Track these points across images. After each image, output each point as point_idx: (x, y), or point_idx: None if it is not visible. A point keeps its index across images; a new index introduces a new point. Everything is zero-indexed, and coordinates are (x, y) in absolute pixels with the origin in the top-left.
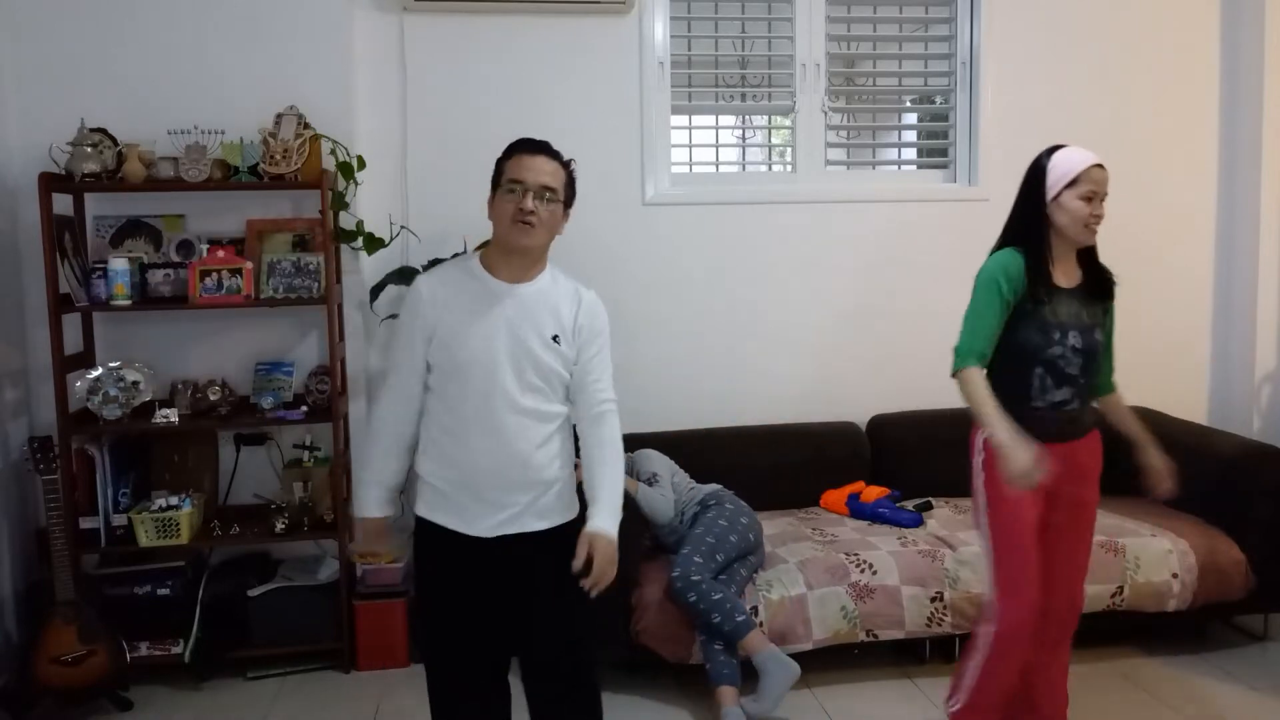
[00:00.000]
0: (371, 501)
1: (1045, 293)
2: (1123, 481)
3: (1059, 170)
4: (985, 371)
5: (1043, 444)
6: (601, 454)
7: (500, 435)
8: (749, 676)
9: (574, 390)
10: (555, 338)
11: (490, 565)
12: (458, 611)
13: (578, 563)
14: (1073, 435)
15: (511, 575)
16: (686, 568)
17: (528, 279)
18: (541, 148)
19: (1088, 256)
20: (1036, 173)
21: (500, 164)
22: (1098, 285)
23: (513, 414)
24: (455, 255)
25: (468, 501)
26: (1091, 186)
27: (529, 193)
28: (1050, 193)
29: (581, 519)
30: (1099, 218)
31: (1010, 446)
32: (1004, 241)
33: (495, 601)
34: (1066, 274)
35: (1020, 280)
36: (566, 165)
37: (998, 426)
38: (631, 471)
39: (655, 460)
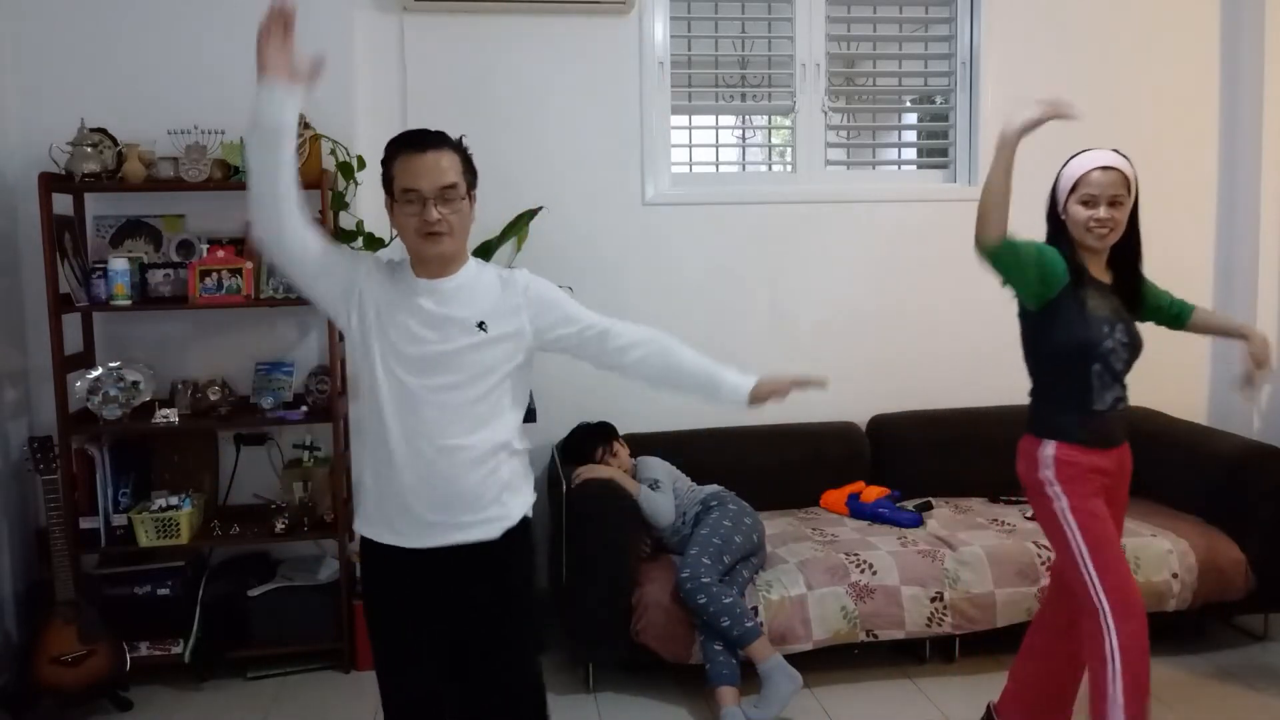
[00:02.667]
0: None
1: (1086, 285)
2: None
3: (1063, 179)
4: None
5: (1108, 450)
6: (656, 350)
7: (430, 436)
8: (747, 677)
9: (586, 350)
10: (481, 324)
11: (428, 579)
12: (398, 630)
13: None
14: (1125, 437)
15: (450, 589)
16: (696, 569)
17: (450, 273)
18: (429, 141)
19: (1125, 266)
20: (1056, 183)
21: (387, 165)
22: (1127, 285)
23: (442, 413)
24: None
25: (397, 516)
26: (1089, 190)
27: (428, 201)
28: (1060, 203)
29: (524, 526)
30: (1100, 221)
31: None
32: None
33: (435, 618)
34: (1101, 271)
35: (1063, 267)
36: (459, 147)
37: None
38: (635, 478)
39: (656, 466)
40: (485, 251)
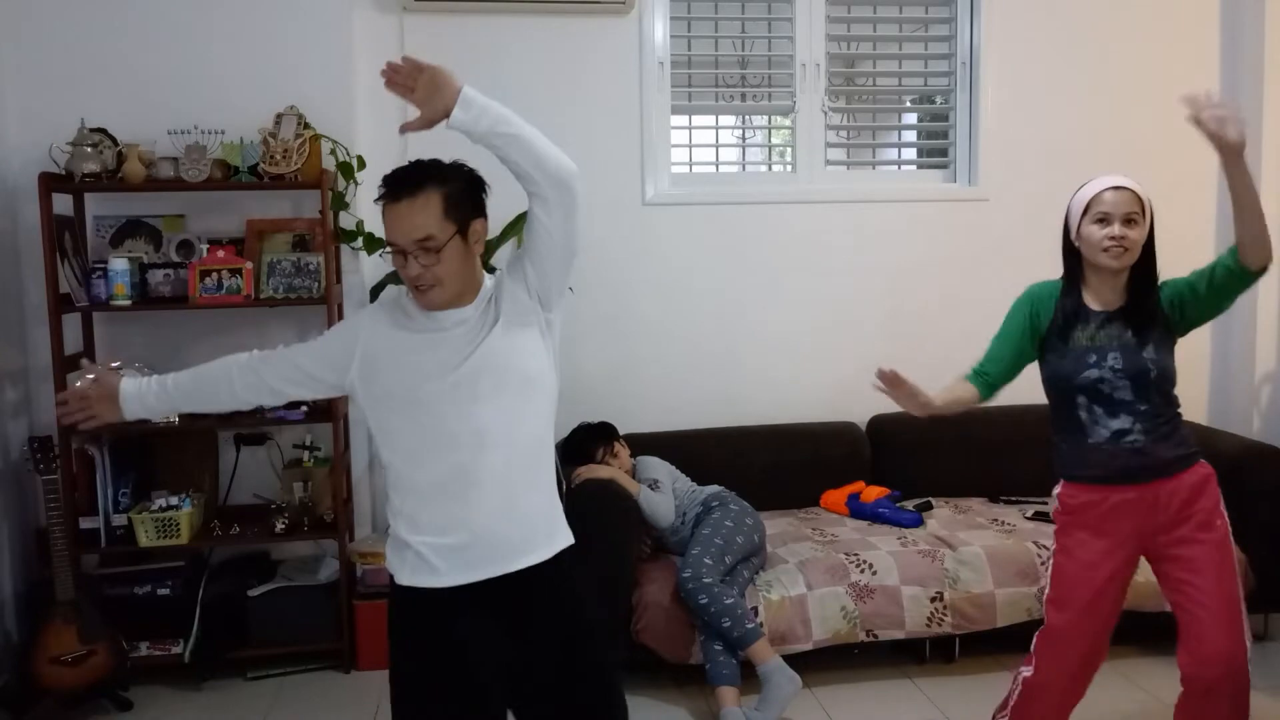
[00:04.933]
0: (137, 383)
1: (1075, 319)
2: None
3: (1075, 203)
4: (974, 391)
5: (1114, 487)
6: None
7: (473, 465)
8: (748, 679)
9: (539, 240)
10: (496, 320)
11: (467, 617)
12: (433, 684)
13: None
14: (1149, 473)
15: (494, 627)
16: (698, 569)
17: (466, 303)
18: (404, 187)
19: (1143, 282)
20: (1068, 210)
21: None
22: (1140, 308)
23: (479, 444)
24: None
25: (452, 558)
26: (1102, 209)
27: (408, 255)
28: (1073, 229)
29: (574, 548)
30: (1115, 239)
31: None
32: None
33: (489, 656)
34: (1110, 297)
35: (1048, 306)
36: (443, 180)
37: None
38: (635, 478)
39: (656, 466)
40: (485, 252)
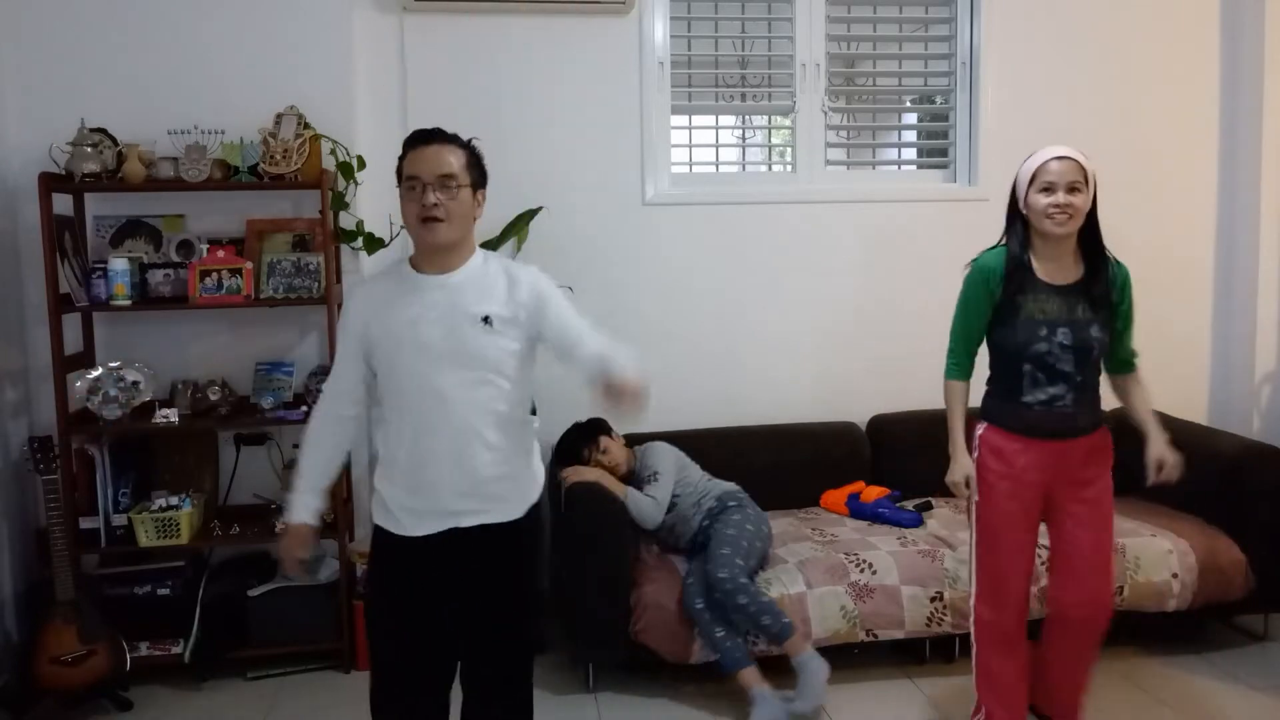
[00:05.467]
0: (300, 508)
1: (1027, 290)
2: (1124, 481)
3: (1022, 172)
4: (966, 383)
5: (1034, 440)
6: (607, 348)
7: (448, 431)
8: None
9: (563, 353)
10: (486, 319)
11: (433, 563)
12: (401, 614)
13: (608, 389)
14: (1068, 433)
15: (454, 573)
16: (733, 570)
17: (454, 267)
18: (432, 135)
19: (1092, 250)
20: (1015, 179)
21: (399, 163)
22: (1094, 285)
23: (458, 409)
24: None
25: (417, 509)
26: (1048, 179)
27: (427, 187)
28: (1020, 197)
29: (530, 517)
30: (1059, 207)
31: (954, 456)
32: (1000, 242)
33: (438, 602)
34: (1061, 272)
35: (999, 277)
36: (466, 146)
37: (953, 438)
38: (635, 468)
39: (660, 455)
40: (488, 247)
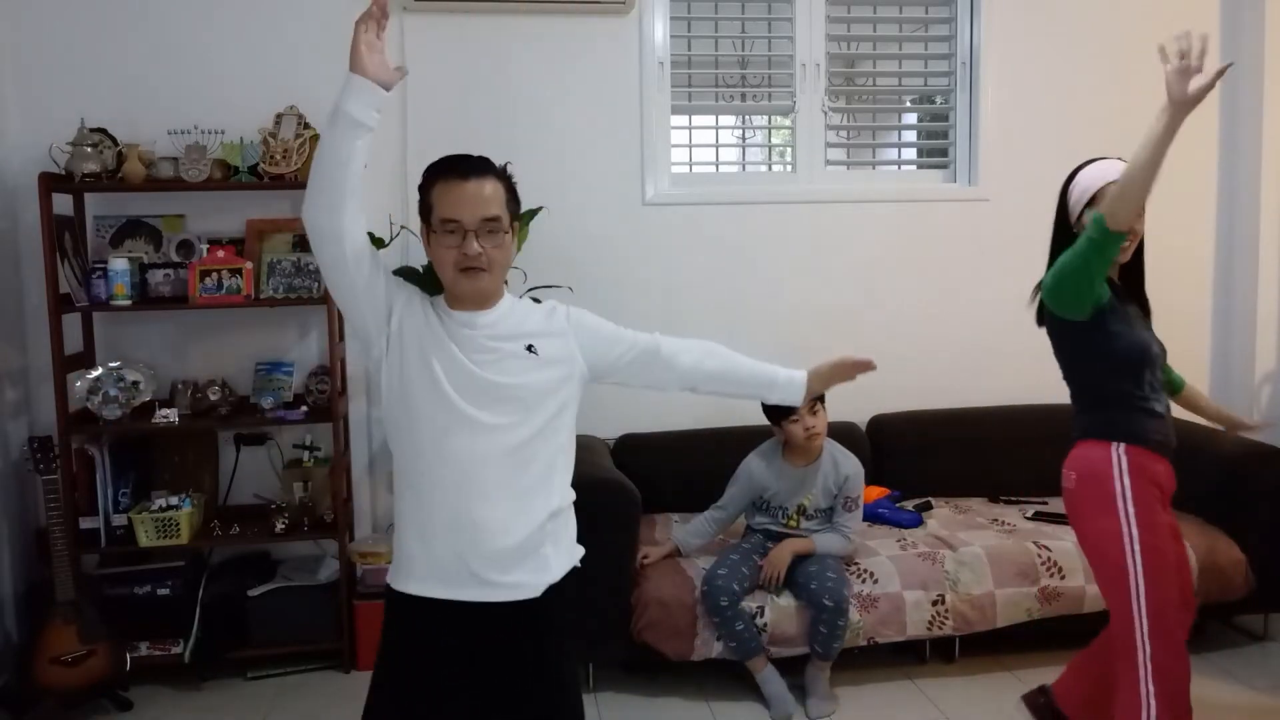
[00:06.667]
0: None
1: (1120, 295)
2: None
3: (1078, 189)
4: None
5: (1165, 457)
6: (708, 352)
7: (472, 488)
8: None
9: (630, 369)
10: (530, 347)
11: (460, 634)
12: (417, 688)
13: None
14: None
15: (485, 648)
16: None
17: (485, 308)
18: (472, 168)
19: (1136, 274)
20: (1062, 194)
21: (425, 192)
22: (1137, 293)
23: (484, 459)
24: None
25: (447, 570)
26: None
27: (469, 234)
28: (1074, 214)
29: (575, 574)
30: (1133, 233)
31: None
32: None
33: (465, 678)
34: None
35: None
36: (504, 175)
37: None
38: (832, 469)
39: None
40: None
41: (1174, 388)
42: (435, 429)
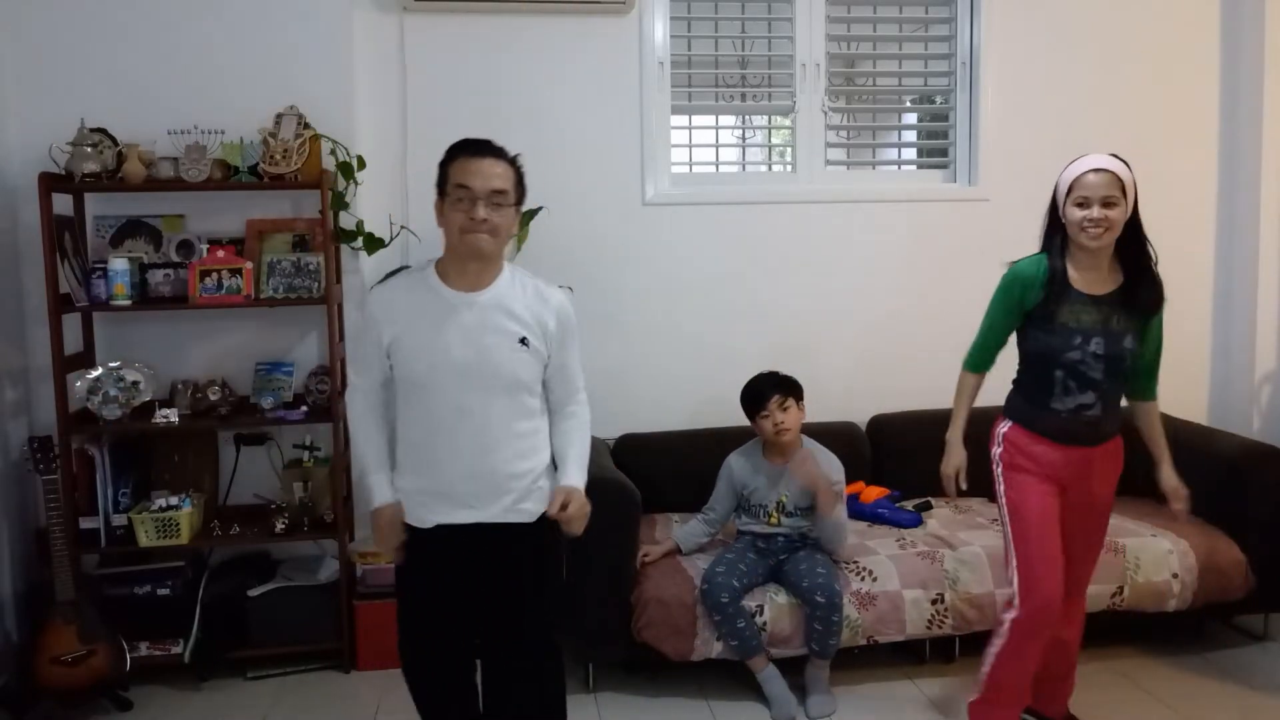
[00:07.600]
0: (382, 486)
1: (1064, 299)
2: (1126, 482)
3: (1060, 183)
4: (981, 377)
5: (1058, 444)
6: (572, 436)
7: (473, 449)
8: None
9: (549, 385)
10: (524, 340)
11: (464, 551)
12: (432, 601)
13: (552, 508)
14: (1090, 440)
15: (485, 562)
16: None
17: (484, 285)
18: (487, 148)
19: (1136, 264)
20: (1055, 186)
21: (444, 168)
22: (1134, 295)
23: (484, 427)
24: (402, 268)
25: (445, 506)
26: (1083, 192)
27: (478, 200)
28: (1060, 205)
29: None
30: (1094, 221)
31: (950, 446)
32: (1041, 249)
33: (468, 588)
34: (1098, 282)
35: (1037, 286)
36: (514, 162)
37: (953, 425)
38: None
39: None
40: None
41: (1134, 394)
42: (437, 398)
